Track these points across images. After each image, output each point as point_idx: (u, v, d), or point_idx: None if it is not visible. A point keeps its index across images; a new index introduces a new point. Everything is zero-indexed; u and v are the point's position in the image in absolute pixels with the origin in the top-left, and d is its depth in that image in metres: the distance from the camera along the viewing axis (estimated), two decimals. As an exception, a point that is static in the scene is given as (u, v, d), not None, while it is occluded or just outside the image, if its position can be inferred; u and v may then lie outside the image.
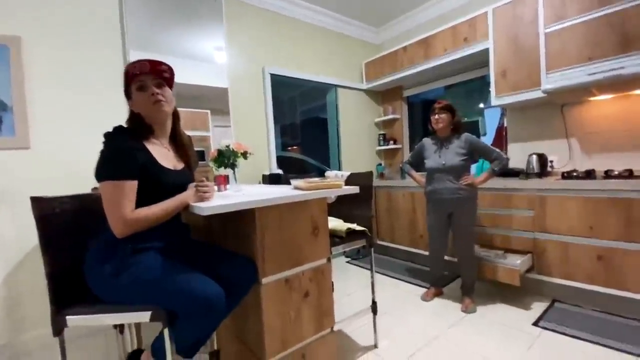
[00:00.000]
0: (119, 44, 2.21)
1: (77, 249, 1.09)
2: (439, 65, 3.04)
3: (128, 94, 1.16)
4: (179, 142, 1.28)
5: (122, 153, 1.02)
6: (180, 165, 1.24)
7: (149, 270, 1.02)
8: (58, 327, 1.01)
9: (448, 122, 2.14)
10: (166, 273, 1.02)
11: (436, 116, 2.15)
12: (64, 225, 1.10)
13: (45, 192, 1.11)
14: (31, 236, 1.84)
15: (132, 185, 1.01)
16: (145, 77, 1.13)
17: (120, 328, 1.51)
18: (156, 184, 1.08)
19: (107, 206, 1.00)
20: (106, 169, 1.01)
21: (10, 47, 1.83)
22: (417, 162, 2.38)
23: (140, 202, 1.03)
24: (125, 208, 0.99)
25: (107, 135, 1.05)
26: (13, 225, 1.83)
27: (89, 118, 2.07)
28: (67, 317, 1.01)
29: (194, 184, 1.16)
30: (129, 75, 1.12)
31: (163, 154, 1.17)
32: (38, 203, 1.05)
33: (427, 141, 2.30)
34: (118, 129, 1.10)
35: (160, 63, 1.15)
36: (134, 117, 1.16)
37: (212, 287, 1.00)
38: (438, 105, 2.15)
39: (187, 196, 1.11)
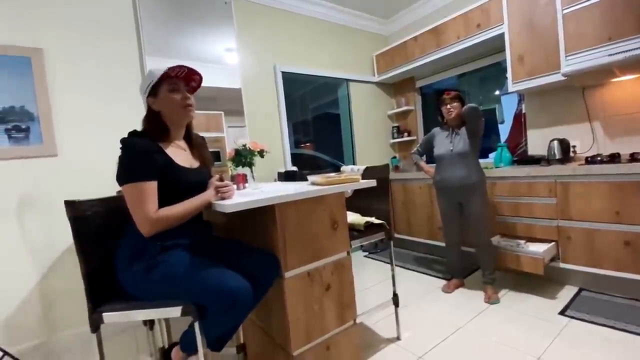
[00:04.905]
0: (136, 50, 2.27)
1: (108, 249, 1.14)
2: (452, 53, 2.98)
3: (154, 91, 1.16)
4: (193, 142, 1.31)
5: (140, 156, 1.06)
6: (196, 164, 1.27)
7: (178, 267, 1.06)
8: (95, 324, 1.06)
9: (459, 111, 2.14)
10: (194, 268, 1.06)
11: (447, 106, 2.17)
12: (96, 226, 1.15)
13: (73, 196, 1.16)
14: (61, 240, 1.94)
15: (153, 186, 1.05)
16: (179, 81, 1.19)
17: (150, 324, 1.58)
18: (175, 183, 1.12)
19: (132, 208, 1.05)
20: (127, 172, 1.05)
21: (32, 58, 1.91)
22: (427, 151, 2.42)
23: (161, 201, 1.07)
24: (150, 208, 1.03)
25: (123, 141, 1.09)
26: (44, 230, 1.92)
27: (111, 123, 2.14)
28: (103, 314, 1.05)
29: (214, 181, 1.19)
30: (164, 76, 1.14)
31: (179, 153, 1.21)
32: (71, 206, 1.10)
33: (437, 130, 2.33)
34: (133, 133, 1.14)
35: (196, 72, 1.21)
36: (152, 116, 1.18)
37: (239, 281, 1.03)
38: (448, 96, 2.17)
39: (208, 195, 1.15)
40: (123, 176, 1.05)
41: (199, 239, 1.20)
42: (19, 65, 1.87)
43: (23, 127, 1.88)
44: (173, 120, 1.21)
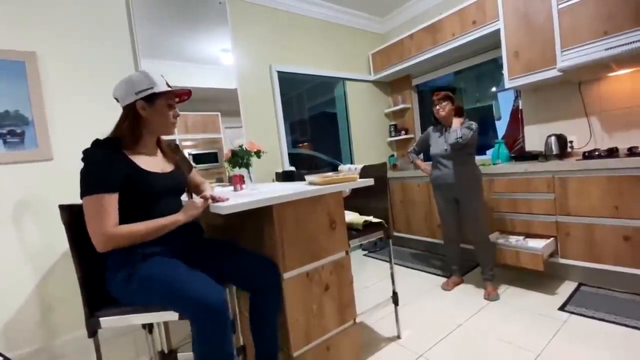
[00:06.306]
0: (130, 53, 2.25)
1: (104, 253, 1.12)
2: (448, 50, 2.98)
3: (149, 99, 1.12)
4: (164, 147, 1.27)
5: (98, 167, 1.02)
6: (169, 168, 1.23)
7: (155, 274, 1.01)
8: (92, 329, 1.05)
9: (449, 110, 2.19)
10: (173, 276, 1.01)
11: (437, 106, 2.23)
12: (91, 230, 1.14)
13: (69, 201, 1.15)
14: (58, 244, 1.93)
15: (111, 199, 1.00)
16: (174, 101, 1.20)
17: (149, 328, 1.57)
18: (145, 189, 1.09)
19: (88, 222, 0.99)
20: (85, 184, 1.00)
21: (26, 62, 1.89)
22: (422, 150, 2.47)
23: (134, 211, 1.04)
24: (106, 223, 0.98)
25: (84, 152, 1.04)
26: (41, 235, 1.91)
27: (106, 126, 2.09)
28: (100, 318, 1.04)
29: (195, 201, 1.15)
30: (167, 91, 1.15)
31: (148, 160, 1.16)
32: (66, 211, 1.10)
33: (432, 129, 2.37)
34: (95, 143, 1.08)
35: (190, 95, 1.29)
36: (134, 120, 1.12)
37: (214, 291, 0.97)
38: (437, 97, 2.24)
39: (178, 217, 1.10)
40: (82, 189, 1.00)
41: (183, 243, 1.16)
42: (13, 69, 1.85)
43: (18, 131, 1.87)
44: (154, 131, 1.18)
